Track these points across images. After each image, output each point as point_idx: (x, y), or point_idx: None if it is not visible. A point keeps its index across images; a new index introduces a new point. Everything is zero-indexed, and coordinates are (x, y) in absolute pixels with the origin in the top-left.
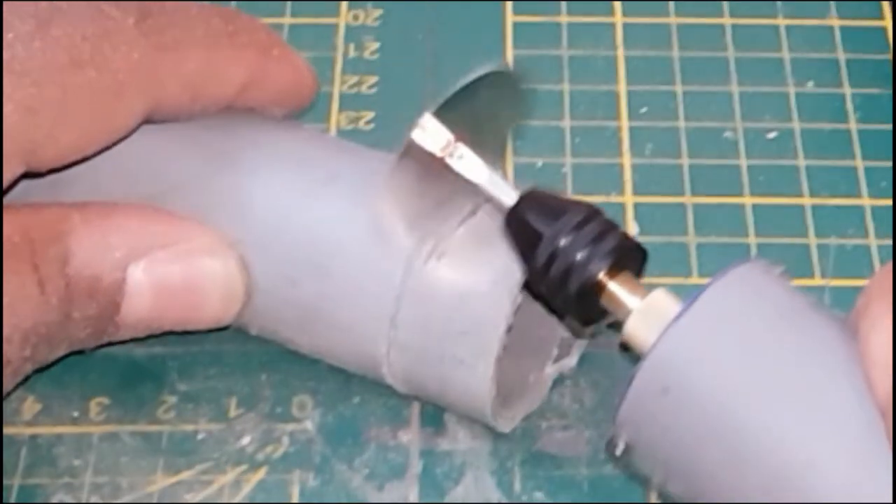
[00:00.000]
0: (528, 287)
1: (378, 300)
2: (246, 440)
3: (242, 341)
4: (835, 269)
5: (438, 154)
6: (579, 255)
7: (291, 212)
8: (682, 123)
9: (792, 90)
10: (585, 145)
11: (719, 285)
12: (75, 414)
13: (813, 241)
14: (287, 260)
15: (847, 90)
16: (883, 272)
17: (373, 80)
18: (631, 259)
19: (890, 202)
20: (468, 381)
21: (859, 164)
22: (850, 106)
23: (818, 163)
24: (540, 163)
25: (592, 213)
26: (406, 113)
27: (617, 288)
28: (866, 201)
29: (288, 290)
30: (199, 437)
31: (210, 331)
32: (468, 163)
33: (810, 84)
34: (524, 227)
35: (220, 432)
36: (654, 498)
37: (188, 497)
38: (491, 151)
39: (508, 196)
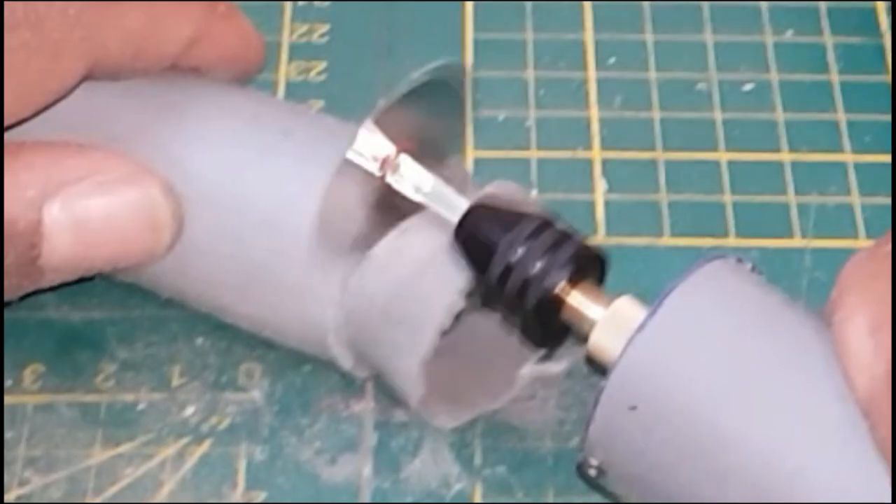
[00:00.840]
0: (484, 300)
1: (331, 259)
2: (189, 411)
3: (185, 306)
4: (816, 229)
5: (377, 172)
6: (535, 267)
7: (241, 167)
8: (652, 74)
9: (770, 39)
10: (550, 97)
11: (684, 287)
12: (8, 382)
13: (792, 199)
14: (235, 215)
15: (828, 39)
16: (853, 263)
17: (324, 28)
18: (591, 267)
19: (873, 157)
20: (400, 366)
21: (841, 117)
22: (831, 56)
23: (797, 116)
24: (502, 116)
25: (547, 221)
26: (360, 63)
27: (578, 299)
28: (849, 157)
29: (234, 247)
30: (140, 407)
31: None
32: (410, 176)
33: (789, 33)
34: (475, 240)
35: (162, 402)
36: None
37: (128, 471)
38: (440, 152)
39: (455, 208)
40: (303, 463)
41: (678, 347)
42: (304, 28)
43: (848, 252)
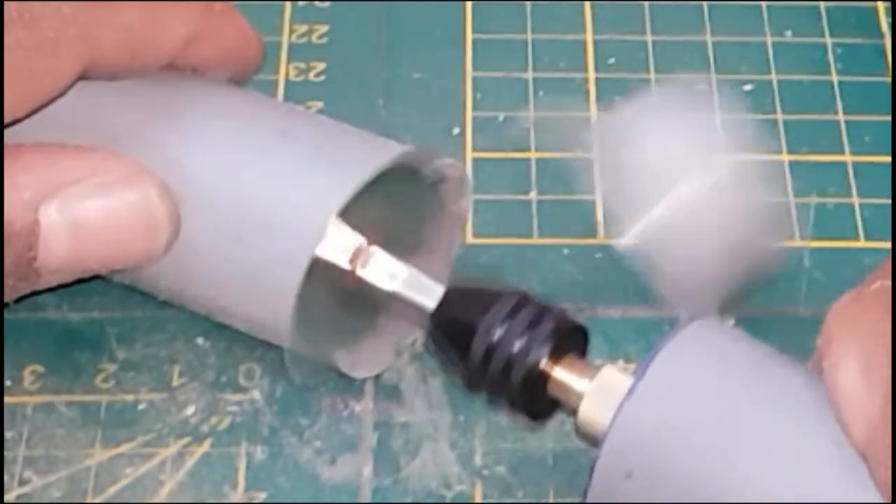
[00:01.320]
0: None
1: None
2: (189, 411)
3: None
4: (815, 230)
5: (347, 266)
6: (517, 345)
7: (240, 167)
8: (652, 75)
9: (769, 39)
10: (550, 98)
11: (669, 349)
12: (8, 383)
13: (792, 199)
14: (234, 216)
15: (828, 40)
16: (837, 308)
17: (324, 28)
18: (573, 339)
19: (873, 157)
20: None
21: (841, 118)
22: (830, 56)
23: (797, 117)
24: (501, 116)
25: (524, 296)
26: (359, 63)
27: (562, 373)
28: (848, 157)
29: (233, 249)
30: (140, 407)
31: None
32: (382, 268)
33: (789, 33)
34: (453, 324)
35: (162, 402)
36: None
37: (128, 471)
38: (417, 237)
39: (431, 293)
40: (303, 463)
41: (669, 409)
42: (303, 28)
43: (848, 252)
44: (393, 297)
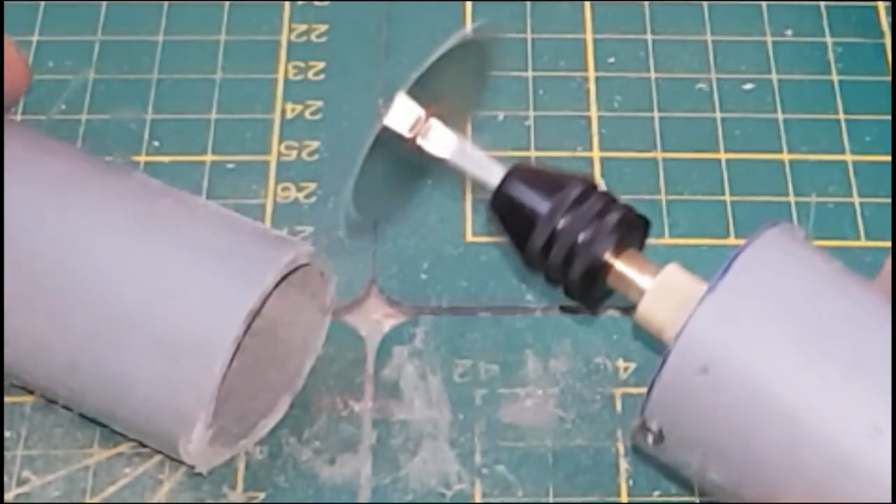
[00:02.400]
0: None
1: None
2: None
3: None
4: (816, 229)
5: (408, 134)
6: (582, 236)
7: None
8: (652, 74)
9: (769, 39)
10: (550, 97)
11: (752, 251)
12: (8, 382)
13: (792, 198)
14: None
15: (828, 39)
16: None
17: (323, 27)
18: (635, 232)
19: (873, 157)
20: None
21: (841, 117)
22: (831, 56)
23: (797, 116)
24: (501, 116)
25: (590, 186)
26: (358, 62)
27: (625, 267)
28: (848, 157)
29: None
30: None
31: None
32: (442, 139)
33: (789, 32)
34: (514, 207)
35: None
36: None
37: (127, 471)
38: (466, 113)
39: (492, 172)
40: (302, 462)
41: (749, 310)
42: (302, 28)
43: (848, 251)
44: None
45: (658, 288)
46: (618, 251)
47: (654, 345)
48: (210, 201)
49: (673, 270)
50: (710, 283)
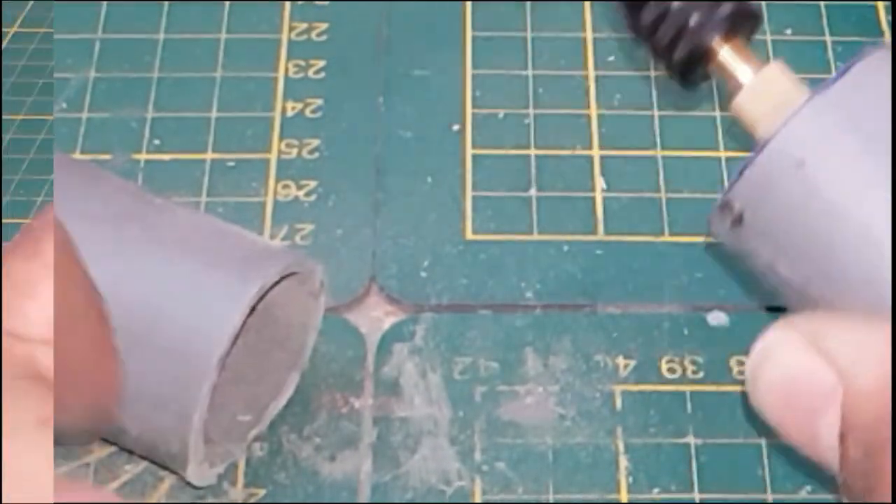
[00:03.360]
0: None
1: None
2: None
3: None
4: None
5: None
6: (693, 20)
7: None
8: (652, 73)
9: (769, 38)
10: (549, 96)
11: (866, 63)
12: None
13: None
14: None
15: (828, 38)
16: None
17: (323, 26)
18: (744, 23)
19: None
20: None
21: None
22: (831, 55)
23: None
24: (502, 114)
25: None
26: (359, 61)
27: (728, 57)
28: None
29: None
30: None
31: None
32: None
33: (789, 31)
34: None
35: None
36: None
37: (127, 468)
38: None
39: None
40: (302, 459)
41: (856, 114)
42: (303, 26)
43: None
44: None
45: (759, 82)
46: (725, 39)
47: (655, 340)
48: (194, 211)
49: (776, 67)
50: (816, 87)
